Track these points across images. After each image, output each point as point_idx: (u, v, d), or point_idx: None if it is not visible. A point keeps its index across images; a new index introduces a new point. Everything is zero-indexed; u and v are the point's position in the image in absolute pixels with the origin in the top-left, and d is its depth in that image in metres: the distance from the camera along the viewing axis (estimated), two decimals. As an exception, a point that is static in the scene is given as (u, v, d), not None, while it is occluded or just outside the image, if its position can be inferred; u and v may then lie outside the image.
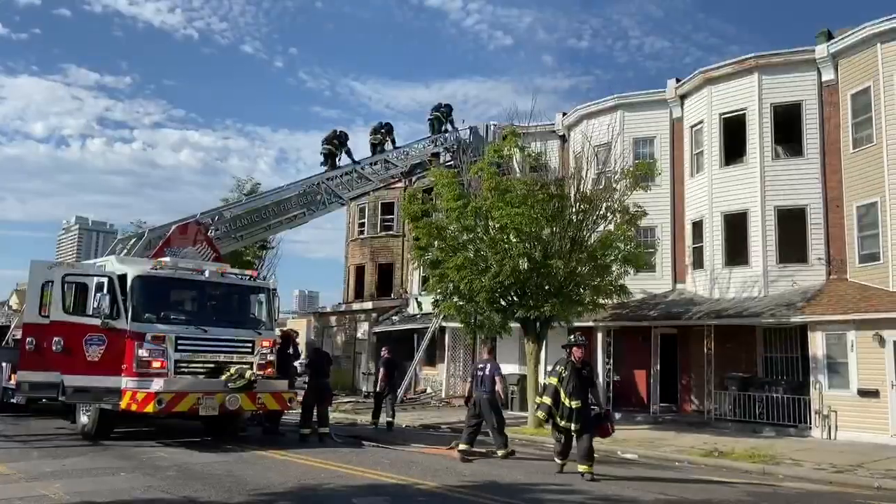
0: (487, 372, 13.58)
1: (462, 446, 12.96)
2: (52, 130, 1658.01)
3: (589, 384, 11.20)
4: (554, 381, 11.08)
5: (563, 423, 10.88)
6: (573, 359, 11.13)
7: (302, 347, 19.23)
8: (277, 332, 15.71)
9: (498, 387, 13.49)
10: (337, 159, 22.65)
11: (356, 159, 23.10)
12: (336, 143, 22.90)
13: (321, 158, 22.84)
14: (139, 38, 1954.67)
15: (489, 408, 13.33)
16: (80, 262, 18.87)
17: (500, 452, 13.25)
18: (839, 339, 17.35)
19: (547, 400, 11.05)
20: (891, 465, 12.61)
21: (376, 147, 24.04)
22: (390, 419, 17.80)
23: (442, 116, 25.36)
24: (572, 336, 11.90)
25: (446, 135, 25.60)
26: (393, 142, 24.40)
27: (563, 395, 10.85)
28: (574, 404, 10.74)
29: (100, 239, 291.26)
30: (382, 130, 24.29)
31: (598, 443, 11.61)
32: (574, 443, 11.02)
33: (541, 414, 11.44)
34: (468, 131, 25.98)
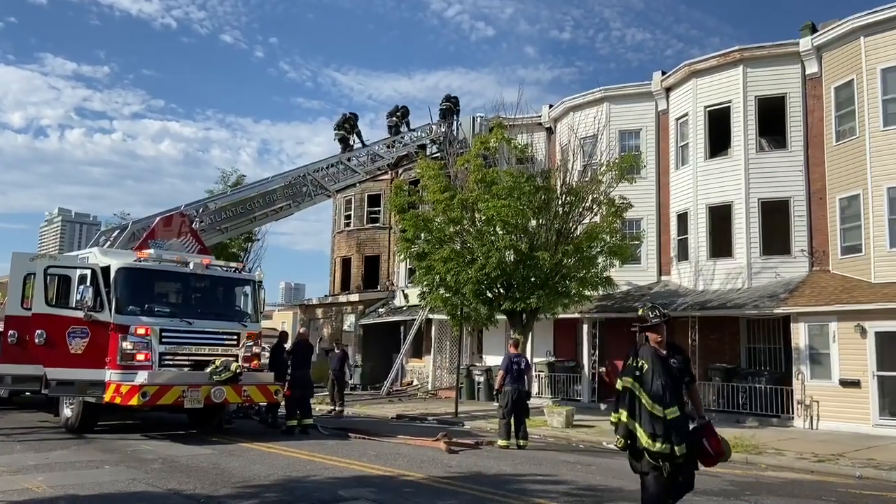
0: (523, 366, 14.26)
1: (502, 442, 13.44)
2: (30, 121, 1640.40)
3: (688, 378, 6.54)
4: (629, 381, 6.36)
5: (657, 447, 6.06)
6: (653, 345, 6.46)
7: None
8: (262, 324, 15.67)
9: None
10: (351, 142, 23.67)
11: (365, 142, 24.11)
12: (347, 128, 23.53)
13: (337, 145, 23.98)
14: (116, 27, 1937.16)
15: (525, 401, 13.97)
16: (63, 254, 18.68)
17: (501, 442, 13.51)
18: (821, 330, 17.52)
19: (623, 415, 6.34)
20: (872, 455, 12.79)
21: (391, 129, 25.00)
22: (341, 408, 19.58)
23: (453, 106, 26.40)
24: (641, 310, 6.72)
25: (433, 126, 25.90)
26: (408, 124, 25.36)
27: (645, 399, 6.22)
28: (669, 413, 6.17)
29: (83, 231, 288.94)
30: (398, 114, 25.19)
31: (588, 435, 11.30)
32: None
33: (619, 442, 6.44)
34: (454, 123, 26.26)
